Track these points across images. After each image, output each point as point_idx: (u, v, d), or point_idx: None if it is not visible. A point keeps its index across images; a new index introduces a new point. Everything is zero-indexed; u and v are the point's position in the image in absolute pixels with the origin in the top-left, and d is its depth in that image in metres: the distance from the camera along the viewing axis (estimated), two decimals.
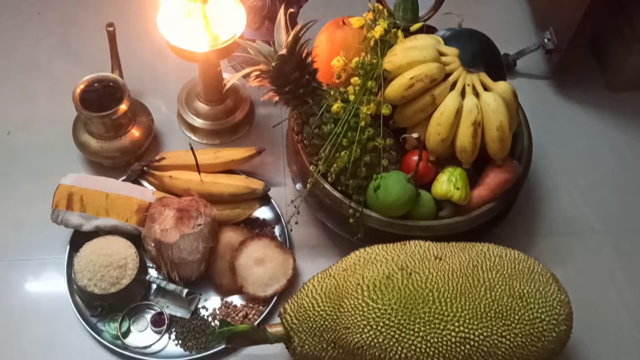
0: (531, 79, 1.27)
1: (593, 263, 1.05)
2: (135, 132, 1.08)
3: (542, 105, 1.23)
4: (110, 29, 1.09)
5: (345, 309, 0.81)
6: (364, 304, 0.80)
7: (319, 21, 1.12)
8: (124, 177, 1.03)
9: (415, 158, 0.91)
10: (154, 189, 1.03)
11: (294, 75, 0.87)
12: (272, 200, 1.05)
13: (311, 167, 0.92)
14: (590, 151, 1.18)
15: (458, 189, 0.91)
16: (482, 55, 0.99)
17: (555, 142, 1.18)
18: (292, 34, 0.84)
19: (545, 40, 1.21)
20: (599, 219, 1.10)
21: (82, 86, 1.03)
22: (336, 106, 0.89)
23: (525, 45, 1.26)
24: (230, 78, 0.88)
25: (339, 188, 0.92)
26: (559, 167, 1.15)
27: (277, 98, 0.90)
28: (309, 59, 0.88)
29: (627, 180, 1.15)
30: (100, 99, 1.04)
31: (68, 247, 0.99)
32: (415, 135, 0.85)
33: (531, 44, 1.25)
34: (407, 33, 1.00)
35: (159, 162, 1.04)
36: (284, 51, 0.83)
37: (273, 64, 0.85)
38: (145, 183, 1.04)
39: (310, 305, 0.84)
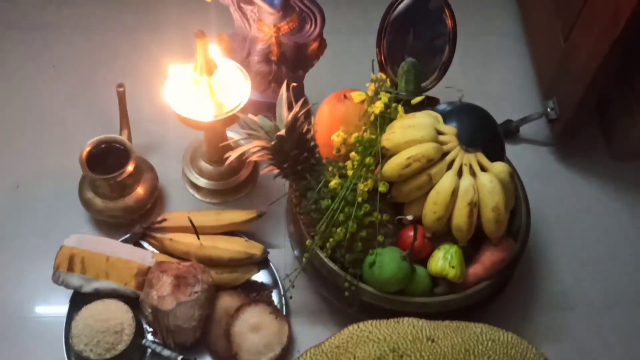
0: (533, 145, 1.28)
1: (591, 339, 1.04)
2: (140, 191, 1.10)
3: (543, 173, 1.23)
4: (121, 89, 1.12)
5: None
6: None
7: (323, 85, 1.15)
8: (126, 237, 1.05)
9: (412, 233, 0.92)
10: (155, 251, 1.04)
11: (293, 153, 0.89)
12: (270, 264, 1.06)
13: (307, 242, 0.93)
14: (592, 221, 1.18)
15: (453, 267, 0.91)
16: (481, 131, 1.00)
17: (555, 210, 1.19)
18: (291, 114, 0.86)
19: (549, 110, 1.22)
20: (598, 293, 1.10)
21: (88, 148, 1.05)
22: (334, 182, 0.90)
23: (529, 112, 1.27)
24: (232, 152, 0.90)
25: (335, 261, 0.93)
26: (558, 237, 1.15)
27: (276, 171, 0.92)
28: (309, 136, 0.90)
29: (628, 253, 1.15)
30: (107, 159, 1.07)
31: (68, 306, 1.00)
32: (410, 217, 0.86)
33: (534, 112, 1.25)
34: (408, 107, 1.01)
35: (160, 224, 1.06)
36: (282, 132, 0.85)
37: (272, 142, 0.87)
38: (146, 244, 1.06)
39: None
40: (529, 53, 1.38)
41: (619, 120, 1.23)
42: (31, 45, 1.35)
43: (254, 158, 0.90)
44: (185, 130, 1.17)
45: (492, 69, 1.39)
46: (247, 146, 0.89)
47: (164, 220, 1.06)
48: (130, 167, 1.06)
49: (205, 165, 1.14)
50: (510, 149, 1.08)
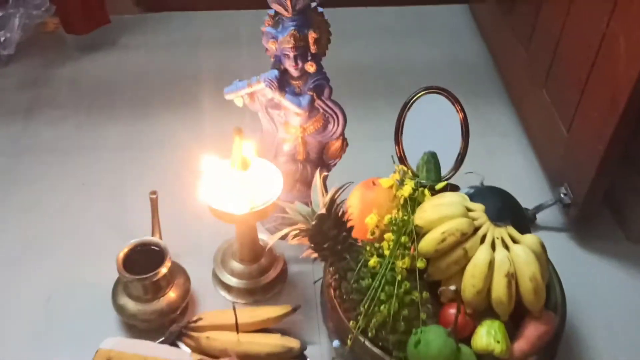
0: (552, 232, 1.31)
1: None
2: (172, 294, 1.10)
3: (566, 258, 1.25)
4: (153, 196, 1.16)
5: None
6: None
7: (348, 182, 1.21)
8: (162, 340, 1.04)
9: (452, 311, 0.93)
10: (191, 351, 1.03)
11: (332, 233, 0.92)
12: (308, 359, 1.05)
13: (351, 323, 0.93)
14: (622, 302, 1.18)
15: (498, 342, 0.91)
16: (506, 210, 1.04)
17: (585, 294, 1.19)
18: (330, 194, 0.90)
19: (562, 195, 1.27)
20: None
21: (126, 250, 1.08)
22: (373, 261, 0.92)
23: (541, 200, 1.32)
24: (272, 237, 0.93)
25: (379, 344, 0.92)
26: (593, 319, 1.15)
27: (315, 255, 0.94)
28: (345, 217, 0.94)
29: None
30: (141, 262, 1.08)
31: None
32: (452, 287, 0.87)
33: (548, 199, 1.31)
34: (433, 191, 1.06)
35: (195, 323, 1.05)
36: (322, 211, 0.89)
37: (312, 222, 0.90)
38: (182, 345, 1.04)
39: None
40: (532, 148, 1.47)
41: (630, 204, 1.28)
42: (62, 166, 1.42)
43: (293, 242, 0.92)
44: (215, 233, 1.21)
45: (499, 166, 1.46)
46: (286, 230, 0.92)
47: (200, 319, 1.06)
48: (164, 269, 1.07)
49: (236, 265, 1.16)
50: None
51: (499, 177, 1.41)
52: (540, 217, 1.32)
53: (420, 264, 0.93)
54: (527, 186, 1.40)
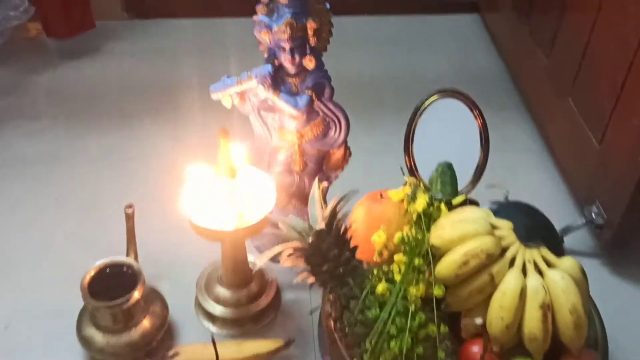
0: (581, 257, 1.15)
1: None
2: (146, 324, 0.95)
3: (600, 288, 1.08)
4: (129, 210, 1.02)
5: None
6: None
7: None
8: None
9: (476, 349, 0.78)
10: None
11: (332, 253, 0.77)
12: None
13: None
14: None
15: None
16: (537, 229, 0.90)
17: (622, 328, 1.03)
18: (330, 206, 0.76)
19: (593, 216, 1.13)
20: None
21: (92, 272, 0.94)
22: (381, 287, 0.77)
23: (567, 222, 1.17)
24: (262, 256, 0.78)
25: None
26: (635, 357, 1.00)
27: (312, 279, 0.80)
28: (348, 234, 0.79)
29: None
30: (112, 286, 0.94)
31: None
32: (479, 320, 0.72)
33: (576, 220, 1.16)
34: (450, 207, 0.92)
35: (172, 358, 0.90)
36: (321, 226, 0.75)
37: (309, 240, 0.76)
38: None
39: None
40: (555, 162, 1.34)
41: None
42: (34, 180, 1.28)
43: (286, 263, 0.77)
44: (198, 255, 1.08)
45: (519, 183, 1.32)
46: (278, 248, 0.78)
47: (177, 353, 0.91)
48: (137, 293, 0.93)
49: (222, 291, 1.01)
50: None
51: (520, 196, 1.27)
52: (568, 241, 1.17)
53: (437, 291, 0.78)
54: (552, 205, 1.24)
